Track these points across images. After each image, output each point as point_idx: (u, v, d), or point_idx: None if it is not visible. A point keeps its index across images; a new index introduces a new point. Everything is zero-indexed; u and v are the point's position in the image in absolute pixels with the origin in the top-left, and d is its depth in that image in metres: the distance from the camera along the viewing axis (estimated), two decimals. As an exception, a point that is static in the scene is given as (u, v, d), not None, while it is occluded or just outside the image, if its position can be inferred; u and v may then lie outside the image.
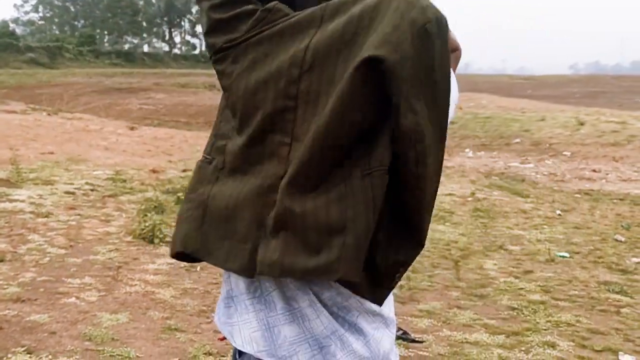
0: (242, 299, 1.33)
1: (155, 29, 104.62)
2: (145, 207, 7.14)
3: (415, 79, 1.13)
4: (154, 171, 10.59)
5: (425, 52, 1.15)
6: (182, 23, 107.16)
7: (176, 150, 14.14)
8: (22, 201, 7.48)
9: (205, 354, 3.76)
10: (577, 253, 6.87)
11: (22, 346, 3.68)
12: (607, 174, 13.59)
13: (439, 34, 1.17)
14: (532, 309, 4.97)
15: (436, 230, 7.38)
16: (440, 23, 1.17)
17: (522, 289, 5.51)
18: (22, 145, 12.11)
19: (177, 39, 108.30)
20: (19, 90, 33.13)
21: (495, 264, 6.27)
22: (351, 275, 1.16)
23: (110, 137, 14.81)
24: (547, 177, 13.27)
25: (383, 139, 1.17)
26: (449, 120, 1.23)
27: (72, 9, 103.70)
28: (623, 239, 7.57)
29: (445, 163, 13.82)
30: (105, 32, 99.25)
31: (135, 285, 4.95)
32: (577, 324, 4.68)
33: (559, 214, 9.03)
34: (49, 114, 19.56)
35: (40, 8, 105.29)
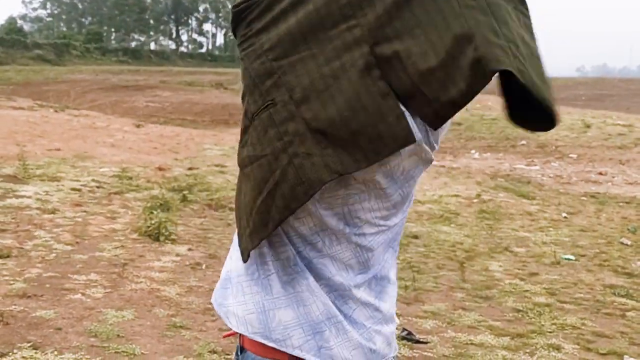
0: (240, 281, 1.33)
1: (162, 27, 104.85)
2: (151, 205, 7.16)
3: None
4: (160, 169, 10.62)
5: None
6: (189, 21, 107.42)
7: (182, 148, 14.16)
8: (29, 197, 7.51)
9: (210, 351, 3.78)
10: (583, 256, 6.85)
11: (28, 342, 3.69)
12: (613, 177, 13.55)
13: None
14: (537, 311, 4.96)
15: (441, 232, 7.37)
16: None
17: (527, 291, 5.50)
18: (29, 142, 12.15)
19: (184, 37, 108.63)
20: (26, 86, 33.30)
21: (500, 266, 6.26)
22: None
23: (116, 134, 14.85)
24: (553, 179, 13.24)
25: None
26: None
27: (80, 6, 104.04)
28: (629, 243, 7.55)
29: (451, 164, 13.84)
30: (112, 30, 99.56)
31: (141, 282, 4.96)
32: (582, 327, 4.67)
33: (565, 217, 9.01)
34: (55, 111, 19.62)
35: (48, 5, 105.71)
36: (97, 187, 8.63)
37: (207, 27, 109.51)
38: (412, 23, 1.12)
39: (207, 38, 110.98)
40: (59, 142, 12.72)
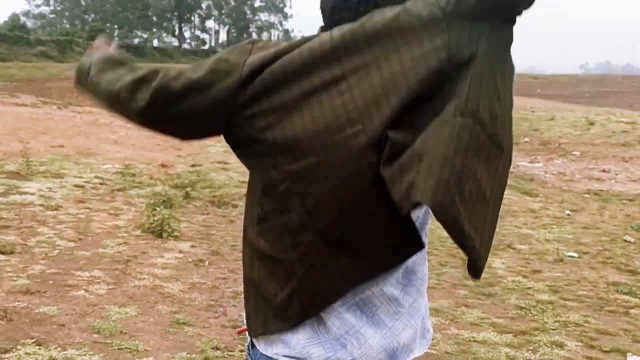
0: None
1: (165, 24, 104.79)
2: (154, 202, 7.16)
3: None
4: (163, 165, 10.62)
5: None
6: (192, 18, 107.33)
7: (185, 145, 14.15)
8: (32, 194, 7.52)
9: (212, 348, 3.78)
10: (586, 253, 6.84)
11: (32, 338, 3.70)
12: (616, 174, 13.51)
13: None
14: (540, 308, 4.96)
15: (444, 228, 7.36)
16: None
17: (530, 288, 5.50)
18: (33, 138, 12.17)
19: (187, 34, 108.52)
20: (30, 83, 33.26)
21: (503, 263, 6.26)
22: None
23: (119, 131, 14.84)
24: (556, 176, 13.21)
25: None
26: None
27: (83, 3, 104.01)
28: (632, 240, 7.53)
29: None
30: (116, 27, 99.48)
31: (144, 279, 4.97)
32: (585, 325, 4.67)
33: (568, 214, 8.99)
34: (59, 108, 19.63)
35: (51, 1, 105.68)
36: (100, 183, 8.64)
37: (210, 23, 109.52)
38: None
39: (210, 35, 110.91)
40: (62, 139, 12.73)
